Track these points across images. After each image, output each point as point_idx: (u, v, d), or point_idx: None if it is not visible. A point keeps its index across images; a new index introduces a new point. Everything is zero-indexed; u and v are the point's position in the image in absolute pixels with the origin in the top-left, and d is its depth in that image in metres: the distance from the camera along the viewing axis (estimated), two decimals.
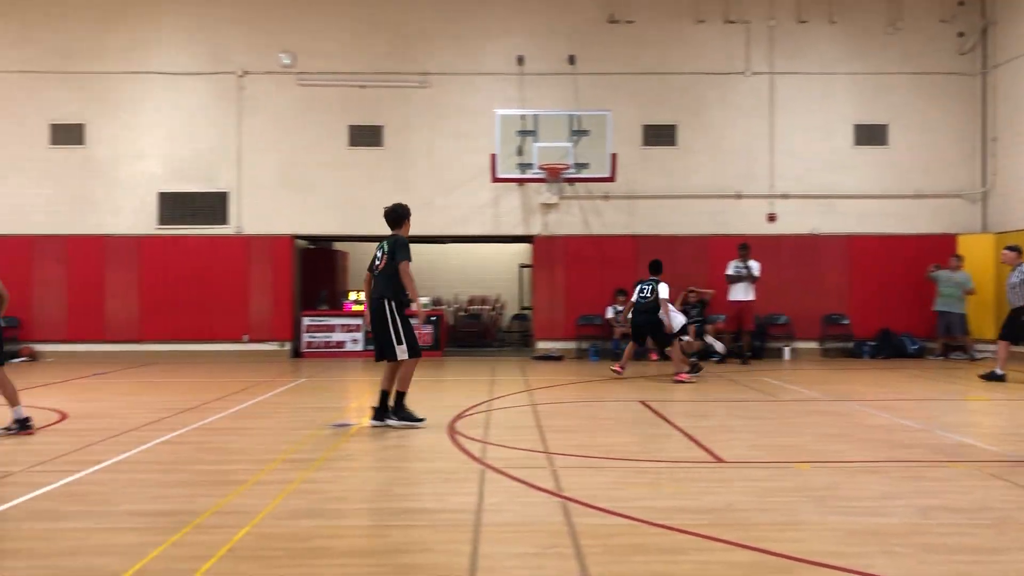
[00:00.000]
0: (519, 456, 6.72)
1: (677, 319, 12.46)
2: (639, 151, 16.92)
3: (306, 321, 16.93)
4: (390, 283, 8.02)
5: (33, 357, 16.30)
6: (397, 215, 8.32)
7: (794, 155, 17.03)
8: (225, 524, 4.80)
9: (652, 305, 12.14)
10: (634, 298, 12.49)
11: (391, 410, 8.12)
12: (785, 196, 17.01)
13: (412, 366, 8.09)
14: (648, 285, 12.31)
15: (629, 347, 12.85)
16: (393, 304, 8.00)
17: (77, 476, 6.03)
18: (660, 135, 17.05)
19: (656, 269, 12.52)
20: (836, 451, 6.91)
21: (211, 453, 6.95)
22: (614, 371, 12.58)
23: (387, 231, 8.38)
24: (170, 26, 17.00)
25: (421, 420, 8.11)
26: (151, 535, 4.63)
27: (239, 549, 4.36)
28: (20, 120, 16.78)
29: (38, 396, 10.56)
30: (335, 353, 16.79)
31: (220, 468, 6.35)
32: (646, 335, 12.51)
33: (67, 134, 16.84)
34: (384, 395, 8.14)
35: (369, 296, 8.26)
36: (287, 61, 16.95)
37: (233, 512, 5.06)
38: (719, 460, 6.55)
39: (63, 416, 8.93)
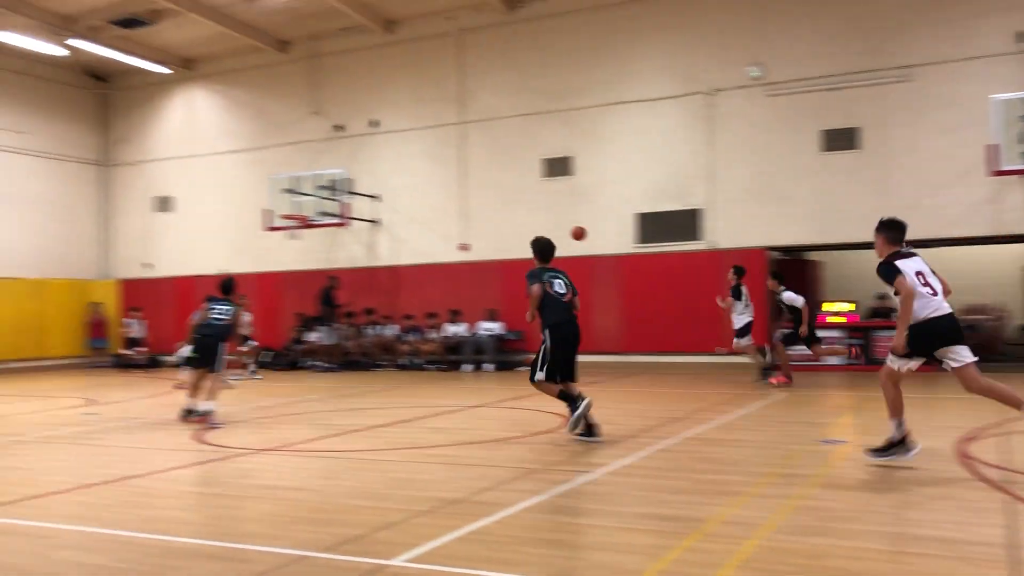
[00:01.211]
0: None
1: None
2: None
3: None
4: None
5: None
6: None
7: None
8: (732, 534, 4.88)
9: None
10: None
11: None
12: None
13: None
14: None
15: None
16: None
17: (591, 476, 6.59)
18: None
19: None
20: None
21: (706, 462, 7.14)
22: None
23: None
24: (645, 57, 18.02)
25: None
26: (663, 538, 4.88)
27: (753, 561, 4.39)
28: (518, 157, 19.02)
29: (543, 401, 11.79)
30: (811, 367, 16.25)
31: (717, 478, 6.49)
32: None
33: (557, 167, 18.70)
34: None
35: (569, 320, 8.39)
36: (756, 73, 16.94)
37: (738, 523, 5.12)
38: None
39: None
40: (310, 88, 21.38)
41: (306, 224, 19.39)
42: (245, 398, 13.55)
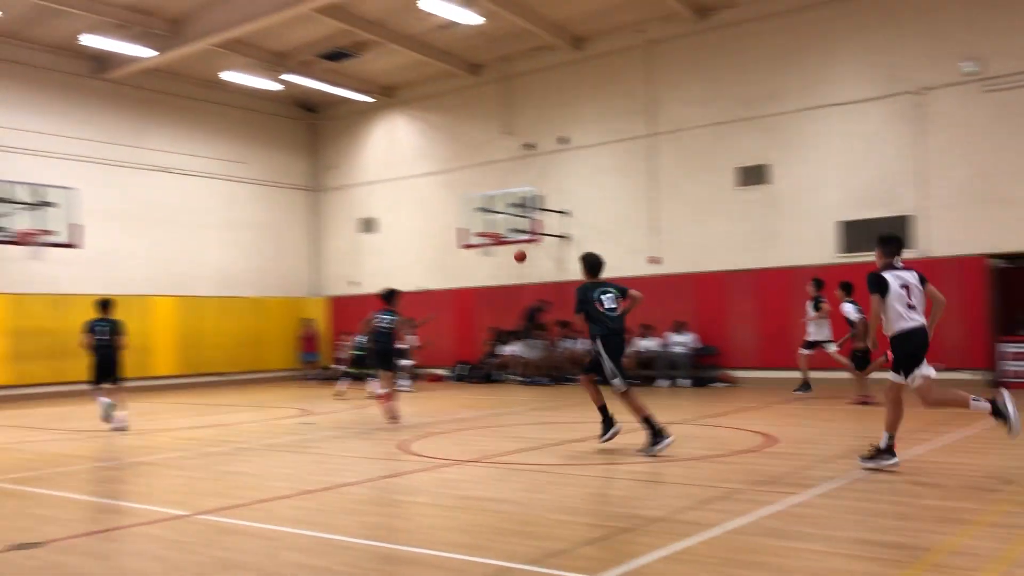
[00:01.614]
0: None
1: None
2: None
3: (1008, 348, 15.32)
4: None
5: (731, 382, 17.80)
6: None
7: None
8: (962, 566, 4.52)
9: None
10: None
11: None
12: None
13: None
14: None
15: None
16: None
17: (799, 498, 6.32)
18: None
19: None
20: None
21: (926, 486, 6.66)
22: None
23: None
24: (844, 58, 17.19)
25: None
26: (883, 566, 4.60)
27: None
28: (710, 167, 18.63)
29: (742, 419, 11.43)
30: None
31: (941, 504, 6.04)
32: None
33: (752, 175, 18.15)
34: None
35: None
36: (971, 68, 15.74)
37: (969, 554, 4.74)
38: None
39: (772, 439, 9.48)
40: (501, 109, 21.95)
41: (498, 241, 19.87)
42: (443, 409, 14.02)
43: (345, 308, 24.48)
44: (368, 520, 5.99)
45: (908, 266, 7.47)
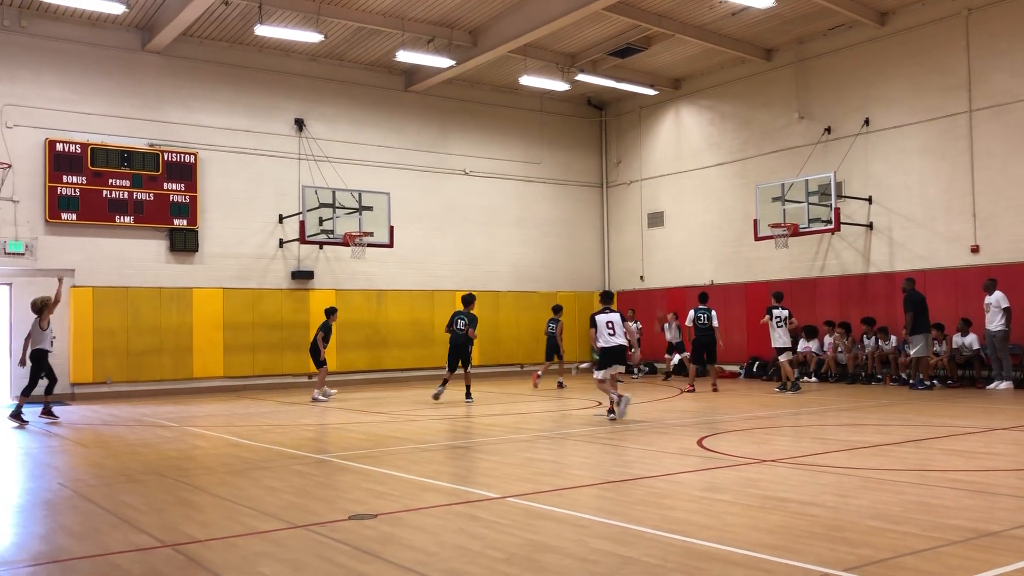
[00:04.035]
0: None
1: None
2: None
3: None
4: None
5: None
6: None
7: None
8: None
9: None
10: None
11: None
12: None
13: None
14: None
15: None
16: None
17: None
18: None
19: None
20: None
21: None
22: None
23: None
24: None
25: None
26: None
27: None
28: None
29: None
30: None
31: None
32: None
33: None
34: None
35: None
36: None
37: None
38: None
39: None
40: (796, 93, 20.97)
41: (796, 232, 19.02)
42: (737, 407, 13.69)
43: (632, 302, 24.66)
44: (671, 515, 5.98)
45: None
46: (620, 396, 11.89)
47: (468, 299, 15.76)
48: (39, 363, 13.60)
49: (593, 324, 11.81)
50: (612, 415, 11.91)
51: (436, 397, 15.36)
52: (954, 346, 17.04)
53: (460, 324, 15.30)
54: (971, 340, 16.80)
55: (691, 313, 17.06)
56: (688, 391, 16.56)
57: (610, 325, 11.76)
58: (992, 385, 15.95)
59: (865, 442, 9.42)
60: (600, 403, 14.50)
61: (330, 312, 17.04)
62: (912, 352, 16.68)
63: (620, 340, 11.78)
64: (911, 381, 16.82)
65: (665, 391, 17.36)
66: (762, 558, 4.82)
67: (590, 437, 10.39)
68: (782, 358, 16.33)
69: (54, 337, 14.03)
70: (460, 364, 15.39)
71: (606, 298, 12.47)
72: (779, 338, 16.30)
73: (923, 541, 5.11)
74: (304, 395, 17.64)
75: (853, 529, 5.44)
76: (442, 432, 11.55)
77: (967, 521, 5.58)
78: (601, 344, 11.78)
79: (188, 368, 19.41)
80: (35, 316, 13.75)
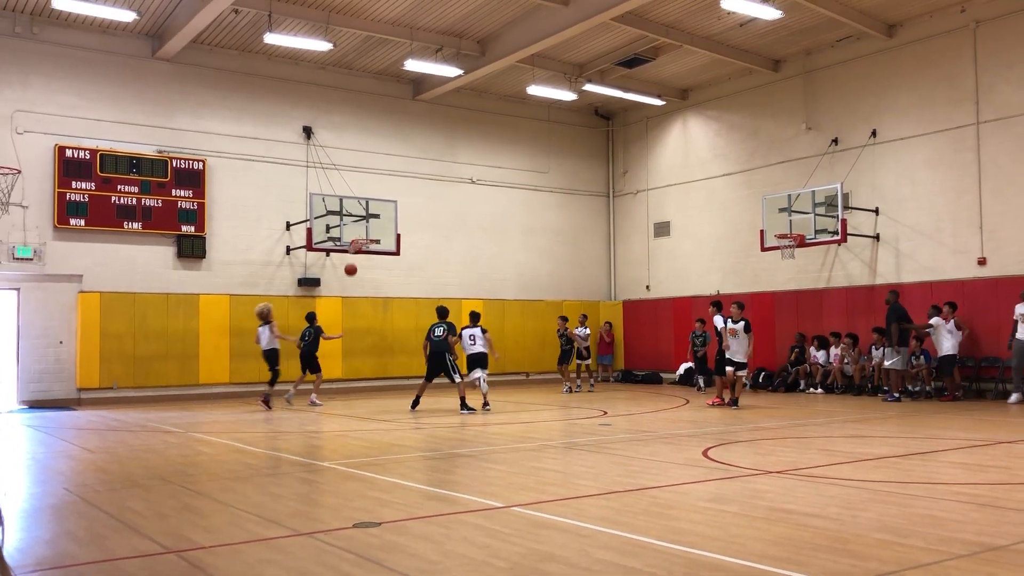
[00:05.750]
0: None
1: None
2: None
3: None
4: None
5: None
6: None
7: None
8: None
9: None
10: None
11: None
12: None
13: None
14: None
15: None
16: None
17: None
18: None
19: None
20: None
21: None
22: None
23: None
24: None
25: None
26: None
27: None
28: None
29: None
30: None
31: None
32: None
33: None
34: None
35: None
36: None
37: None
38: None
39: None
40: (804, 104, 20.98)
41: (802, 243, 18.99)
42: (743, 417, 13.66)
43: (638, 312, 24.64)
44: (676, 525, 5.97)
45: None
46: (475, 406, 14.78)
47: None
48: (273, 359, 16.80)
49: (458, 335, 15.21)
50: (468, 410, 14.69)
51: (413, 407, 15.52)
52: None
53: (438, 332, 15.45)
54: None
55: (718, 321, 16.21)
56: (717, 403, 15.92)
57: (472, 338, 15.24)
58: (1012, 399, 15.79)
59: (871, 454, 9.39)
60: (605, 412, 14.48)
61: (313, 317, 17.90)
62: (888, 364, 16.71)
63: (480, 348, 15.26)
64: (885, 389, 16.98)
65: (675, 400, 17.33)
66: (767, 570, 4.80)
67: (596, 447, 10.38)
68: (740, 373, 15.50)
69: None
70: (442, 373, 15.39)
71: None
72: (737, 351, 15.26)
73: (929, 555, 5.09)
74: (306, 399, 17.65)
75: (859, 542, 5.42)
76: (447, 440, 11.55)
77: (973, 535, 5.56)
78: (467, 352, 15.25)
79: (194, 374, 19.45)
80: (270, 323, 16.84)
